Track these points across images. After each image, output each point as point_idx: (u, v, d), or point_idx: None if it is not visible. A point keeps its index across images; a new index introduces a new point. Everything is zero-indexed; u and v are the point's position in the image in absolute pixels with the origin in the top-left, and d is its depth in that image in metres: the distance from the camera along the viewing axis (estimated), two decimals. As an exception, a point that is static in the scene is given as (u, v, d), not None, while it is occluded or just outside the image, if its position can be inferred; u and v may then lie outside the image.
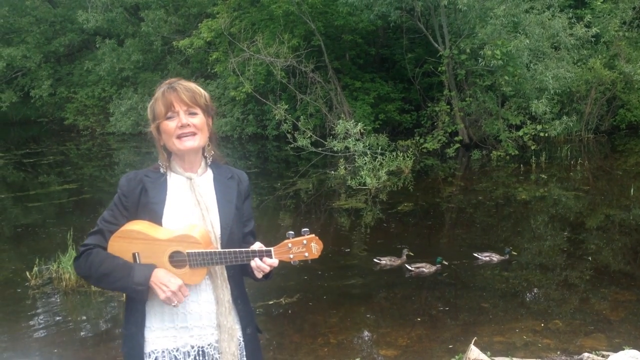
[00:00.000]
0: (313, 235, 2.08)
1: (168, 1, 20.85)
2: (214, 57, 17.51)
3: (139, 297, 2.07)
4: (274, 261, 2.08)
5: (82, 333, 5.36)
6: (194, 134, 2.11)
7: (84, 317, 5.69)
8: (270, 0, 16.57)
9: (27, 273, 6.47)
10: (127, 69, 20.95)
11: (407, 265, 6.66)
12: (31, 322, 5.55)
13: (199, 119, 2.12)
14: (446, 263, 6.63)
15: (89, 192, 11.71)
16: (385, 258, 6.86)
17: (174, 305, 2.05)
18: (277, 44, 15.27)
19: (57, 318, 5.65)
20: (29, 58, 22.76)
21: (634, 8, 16.28)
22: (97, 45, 21.74)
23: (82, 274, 2.14)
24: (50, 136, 22.40)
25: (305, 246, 2.07)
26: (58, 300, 6.10)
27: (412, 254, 6.86)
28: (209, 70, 18.67)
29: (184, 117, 2.08)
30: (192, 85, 2.13)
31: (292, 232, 2.09)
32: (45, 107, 24.63)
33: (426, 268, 6.57)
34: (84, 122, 22.54)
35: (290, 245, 2.07)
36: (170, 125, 2.09)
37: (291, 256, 2.08)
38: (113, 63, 20.90)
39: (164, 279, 2.03)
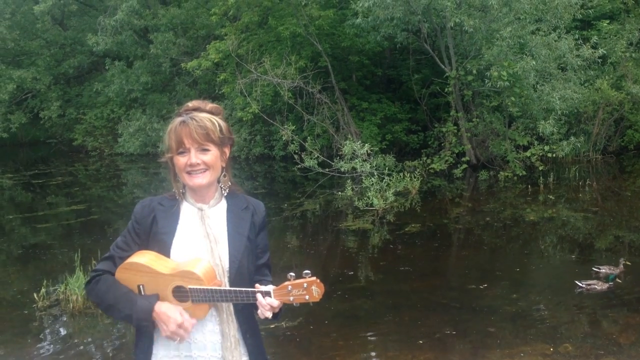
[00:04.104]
0: (314, 278, 2.04)
1: (177, 24, 21.09)
2: (221, 78, 17.64)
3: (144, 330, 2.08)
4: (273, 301, 2.04)
5: (89, 356, 5.33)
6: (204, 170, 2.08)
7: (91, 340, 5.67)
8: (278, 22, 16.74)
9: (35, 294, 6.46)
10: (136, 91, 21.15)
11: (577, 282, 6.50)
12: (38, 344, 5.53)
13: (211, 155, 2.08)
14: (619, 281, 6.49)
15: (97, 213, 11.75)
16: (604, 267, 6.76)
17: (178, 342, 2.04)
18: (284, 65, 15.38)
19: (64, 340, 5.63)
20: (38, 80, 23.01)
21: (640, 29, 16.34)
22: (107, 67, 21.99)
23: (92, 300, 2.17)
24: (59, 157, 22.54)
25: (305, 289, 2.03)
26: (65, 322, 6.09)
27: (629, 263, 6.75)
28: (217, 91, 18.80)
29: (193, 157, 2.06)
30: (207, 120, 2.08)
31: (293, 274, 2.05)
32: (55, 128, 24.86)
33: (598, 285, 6.39)
34: (92, 143, 22.70)
35: (290, 287, 2.04)
36: (182, 160, 2.07)
37: (291, 298, 2.05)
38: (122, 84, 21.11)
39: (164, 317, 2.01)
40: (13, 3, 23.30)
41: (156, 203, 2.16)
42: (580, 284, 6.44)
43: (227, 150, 2.18)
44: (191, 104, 2.16)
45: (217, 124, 2.11)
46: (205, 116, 2.10)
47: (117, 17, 19.93)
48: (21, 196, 14.77)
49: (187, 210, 2.16)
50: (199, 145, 2.07)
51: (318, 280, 2.04)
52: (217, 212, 2.18)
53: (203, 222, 2.13)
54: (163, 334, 2.02)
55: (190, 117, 2.08)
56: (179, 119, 2.10)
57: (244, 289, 2.05)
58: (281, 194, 13.46)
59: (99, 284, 2.09)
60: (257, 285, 2.07)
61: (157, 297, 2.05)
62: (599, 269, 6.76)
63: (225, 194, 2.22)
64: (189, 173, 2.08)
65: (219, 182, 2.20)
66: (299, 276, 2.06)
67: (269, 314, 2.06)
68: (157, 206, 2.15)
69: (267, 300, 2.04)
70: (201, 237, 2.12)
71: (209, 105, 2.17)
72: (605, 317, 5.72)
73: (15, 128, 23.52)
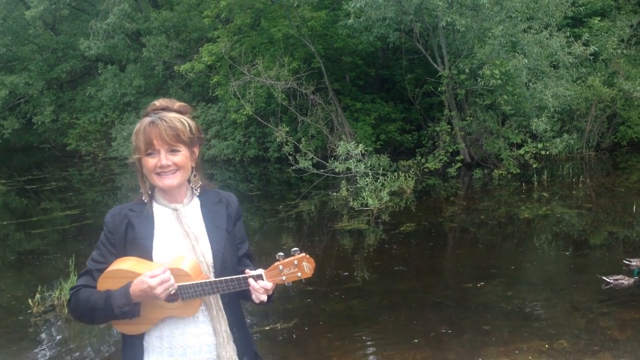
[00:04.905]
0: (304, 254, 2.04)
1: (169, 26, 21.06)
2: (214, 80, 17.63)
3: (130, 317, 2.00)
4: (267, 283, 2.03)
5: (84, 360, 5.32)
6: (174, 171, 2.05)
7: (87, 345, 5.65)
8: (270, 24, 16.74)
9: (29, 300, 6.45)
10: (129, 94, 21.09)
11: (604, 277, 6.46)
12: (33, 350, 5.52)
13: (181, 156, 2.05)
14: None
15: (91, 218, 11.70)
16: (635, 259, 6.74)
17: (172, 291, 1.98)
18: (278, 66, 15.38)
19: (60, 346, 5.61)
20: (31, 85, 22.93)
21: (631, 26, 16.40)
22: (99, 71, 21.94)
23: (75, 317, 2.11)
24: (53, 162, 22.47)
25: (296, 266, 2.03)
26: (60, 327, 6.07)
27: None
28: (210, 93, 18.78)
29: (164, 158, 2.02)
30: (176, 121, 2.04)
31: (282, 254, 2.04)
32: (48, 133, 24.78)
33: (625, 280, 6.36)
34: (86, 148, 22.63)
35: (281, 267, 2.03)
36: (151, 162, 2.03)
37: (284, 278, 2.04)
38: (115, 88, 21.06)
39: (141, 286, 1.94)
40: (4, 8, 23.21)
41: (127, 210, 2.12)
42: (607, 280, 6.41)
43: (196, 150, 2.15)
44: (158, 102, 2.11)
45: (187, 124, 2.07)
46: (175, 116, 2.06)
47: (109, 20, 19.88)
48: (15, 202, 14.72)
49: (161, 212, 2.13)
50: (169, 147, 2.03)
51: (308, 256, 2.04)
52: (192, 210, 2.16)
53: (180, 221, 2.10)
54: (159, 296, 1.95)
55: (159, 118, 2.04)
56: (147, 120, 2.05)
57: (234, 276, 2.03)
58: (276, 195, 13.45)
59: (77, 297, 2.05)
60: (247, 270, 2.06)
61: (130, 283, 1.98)
62: (630, 261, 6.73)
63: (197, 194, 2.19)
64: (158, 174, 2.05)
65: (189, 181, 2.17)
66: (288, 255, 2.05)
67: (264, 297, 2.05)
68: (129, 212, 2.11)
69: (261, 283, 2.03)
70: (180, 236, 2.09)
71: (177, 104, 2.12)
72: (601, 313, 5.73)
73: (8, 134, 23.43)
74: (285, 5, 15.80)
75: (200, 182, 2.20)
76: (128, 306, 1.97)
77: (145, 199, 2.14)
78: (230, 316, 2.14)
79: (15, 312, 6.47)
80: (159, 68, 20.65)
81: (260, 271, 2.05)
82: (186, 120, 2.08)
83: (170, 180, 2.06)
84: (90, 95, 22.53)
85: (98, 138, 22.65)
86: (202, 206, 2.18)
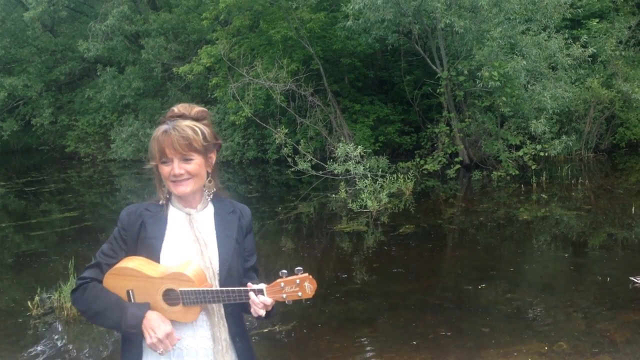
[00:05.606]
0: (307, 274, 2.04)
1: (168, 28, 21.07)
2: (213, 82, 17.64)
3: (132, 338, 2.06)
4: (266, 299, 2.04)
5: (83, 363, 5.31)
6: (188, 179, 2.08)
7: (86, 347, 5.65)
8: (269, 25, 16.75)
9: (29, 302, 6.43)
10: (128, 96, 21.10)
11: (631, 278, 6.43)
12: (32, 353, 5.51)
13: (195, 164, 2.07)
14: None
15: (90, 220, 11.70)
16: None
17: (160, 353, 2.02)
18: (276, 68, 15.39)
19: (59, 348, 5.60)
20: (30, 87, 22.92)
21: (629, 27, 16.45)
22: (98, 73, 21.94)
23: (78, 308, 2.14)
24: (52, 164, 22.45)
25: (298, 285, 2.03)
26: (60, 330, 6.06)
27: None
28: (209, 95, 18.79)
29: (176, 167, 2.05)
30: (188, 129, 2.05)
31: (285, 271, 2.06)
32: (47, 135, 24.79)
33: None
34: (85, 150, 22.63)
35: (282, 284, 2.04)
36: (166, 169, 2.07)
37: (284, 296, 2.05)
38: (114, 90, 21.05)
39: (154, 324, 2.00)
40: (3, 10, 23.20)
41: (143, 209, 2.15)
42: (636, 280, 6.39)
43: (212, 156, 2.16)
44: (177, 109, 2.12)
45: (200, 132, 2.07)
46: (188, 124, 2.06)
47: (108, 22, 19.88)
48: (14, 204, 14.70)
49: (175, 215, 2.16)
50: (182, 156, 2.05)
51: (310, 277, 2.04)
52: (205, 216, 2.18)
53: (192, 226, 2.13)
54: (148, 340, 2.01)
55: (173, 127, 2.05)
56: (162, 128, 2.07)
57: (236, 288, 2.04)
58: (275, 197, 13.45)
59: (87, 291, 2.08)
60: (249, 283, 2.07)
61: (148, 306, 2.05)
62: None
63: (210, 199, 2.21)
64: (173, 182, 2.08)
65: (204, 187, 2.19)
66: (291, 273, 2.06)
67: (263, 312, 2.06)
68: (144, 212, 2.14)
69: (261, 298, 2.04)
70: (190, 241, 2.11)
71: (195, 110, 2.12)
72: (600, 314, 5.73)
73: (7, 136, 23.44)
74: (284, 7, 15.82)
75: (214, 188, 2.22)
76: (136, 329, 2.02)
77: (162, 202, 2.17)
78: (232, 326, 2.16)
79: (15, 314, 6.46)
80: (157, 70, 20.65)
81: (262, 286, 2.06)
82: (200, 127, 2.08)
83: (184, 188, 2.08)
84: (89, 97, 22.52)
85: (97, 140, 22.66)
86: (216, 214, 2.20)
